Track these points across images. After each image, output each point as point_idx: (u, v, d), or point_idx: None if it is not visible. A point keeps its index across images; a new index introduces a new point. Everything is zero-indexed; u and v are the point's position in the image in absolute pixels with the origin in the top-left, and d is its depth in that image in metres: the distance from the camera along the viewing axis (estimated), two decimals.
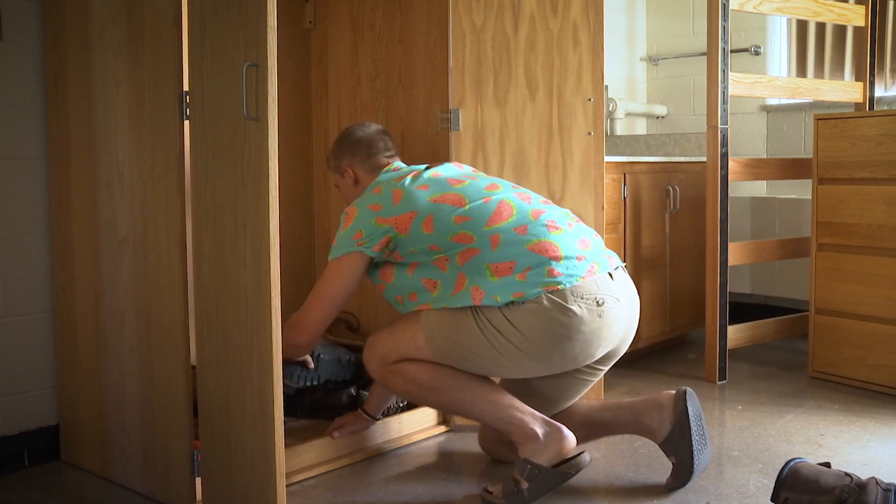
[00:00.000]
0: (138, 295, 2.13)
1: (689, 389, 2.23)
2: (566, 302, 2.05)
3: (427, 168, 2.32)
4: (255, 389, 1.86)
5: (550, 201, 2.33)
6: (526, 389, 2.27)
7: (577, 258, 2.12)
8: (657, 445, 2.30)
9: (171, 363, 2.06)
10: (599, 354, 2.17)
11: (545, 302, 2.05)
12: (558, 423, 2.15)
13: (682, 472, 2.19)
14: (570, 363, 2.15)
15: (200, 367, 2.00)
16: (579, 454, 2.13)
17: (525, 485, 2.08)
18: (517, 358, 2.10)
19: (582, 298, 2.07)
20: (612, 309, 2.12)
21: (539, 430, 2.12)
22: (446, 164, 2.36)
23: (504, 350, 2.09)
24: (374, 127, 2.49)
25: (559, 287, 2.06)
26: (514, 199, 2.22)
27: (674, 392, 2.26)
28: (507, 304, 2.07)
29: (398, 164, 2.42)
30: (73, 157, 2.31)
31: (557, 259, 2.10)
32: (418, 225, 2.16)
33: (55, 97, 2.35)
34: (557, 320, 2.05)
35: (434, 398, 2.21)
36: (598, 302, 2.09)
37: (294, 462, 2.26)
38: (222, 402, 1.95)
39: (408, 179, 2.26)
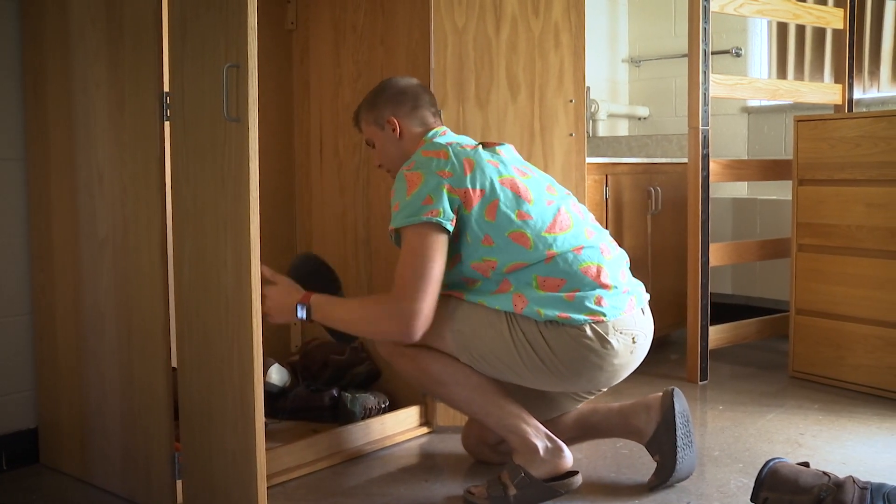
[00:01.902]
0: (119, 297, 2.12)
1: (676, 389, 2.25)
2: (607, 334, 2.04)
3: (486, 146, 2.19)
4: (236, 391, 1.85)
5: (594, 218, 2.26)
6: (520, 394, 2.25)
7: (622, 290, 2.10)
8: (642, 447, 2.31)
9: (151, 365, 2.05)
10: (615, 384, 2.18)
11: (588, 331, 2.03)
12: (560, 442, 2.15)
13: (665, 469, 2.19)
14: (589, 388, 2.16)
15: (181, 368, 1.99)
16: (573, 475, 2.14)
17: (513, 491, 2.08)
18: (540, 373, 2.08)
19: (621, 333, 2.06)
20: (641, 345, 2.13)
21: (540, 445, 2.11)
22: (505, 146, 2.23)
23: (531, 364, 2.06)
24: (414, 80, 2.35)
25: (604, 318, 2.04)
26: (571, 210, 2.16)
27: (661, 393, 2.27)
28: (547, 323, 2.03)
29: (446, 128, 2.27)
30: (52, 159, 2.29)
31: (607, 288, 2.07)
32: (483, 207, 2.05)
33: (34, 98, 2.34)
34: (595, 350, 2.04)
35: (442, 391, 2.17)
36: (633, 339, 2.09)
37: (275, 464, 2.25)
38: (203, 404, 1.94)
39: (478, 151, 2.12)
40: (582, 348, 2.03)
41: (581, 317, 2.02)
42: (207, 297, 1.90)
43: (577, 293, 2.04)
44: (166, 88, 1.97)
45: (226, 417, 1.88)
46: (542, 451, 2.11)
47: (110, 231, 2.13)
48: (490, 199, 2.06)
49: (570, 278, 2.05)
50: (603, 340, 2.03)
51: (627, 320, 2.08)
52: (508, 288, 2.07)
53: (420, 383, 2.21)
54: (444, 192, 2.03)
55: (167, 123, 1.97)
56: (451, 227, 2.03)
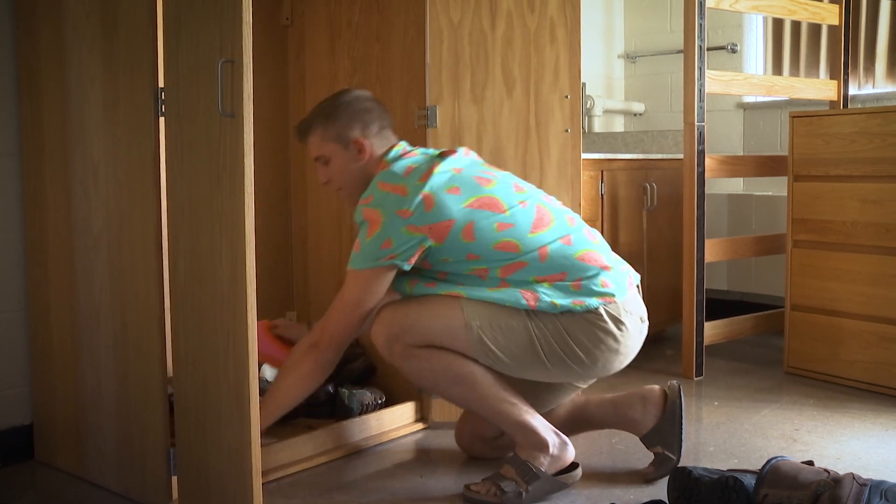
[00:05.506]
0: (114, 292, 2.12)
1: (679, 384, 2.27)
2: (620, 315, 2.05)
3: (441, 158, 2.13)
4: (231, 387, 1.85)
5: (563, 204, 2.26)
6: (519, 386, 2.22)
7: (620, 269, 2.11)
8: (637, 439, 2.32)
9: (146, 361, 2.04)
10: (620, 369, 2.17)
11: (603, 314, 2.04)
12: (565, 436, 2.15)
13: (668, 462, 2.22)
14: (602, 374, 2.14)
15: (176, 364, 1.99)
16: (575, 467, 2.14)
17: (525, 486, 2.07)
18: (560, 366, 2.07)
19: (630, 313, 2.08)
20: (646, 326, 2.15)
21: (550, 441, 2.11)
22: (460, 156, 2.18)
23: (552, 357, 2.06)
24: (370, 93, 2.26)
25: (614, 299, 2.05)
26: (546, 204, 2.15)
27: (658, 386, 2.29)
28: (563, 313, 2.03)
29: (404, 144, 2.21)
30: (46, 154, 2.28)
31: (606, 269, 2.08)
32: (457, 234, 2.03)
33: (28, 93, 2.33)
34: (612, 333, 2.05)
35: (455, 391, 2.13)
36: (641, 319, 2.11)
37: (271, 460, 2.25)
38: (198, 400, 1.94)
39: (434, 179, 2.05)
40: (600, 332, 2.04)
41: (594, 300, 2.03)
42: (202, 292, 1.90)
43: (582, 281, 2.05)
44: (161, 83, 1.96)
45: (221, 413, 1.88)
46: (552, 447, 2.11)
47: (105, 226, 2.12)
48: (463, 224, 2.04)
49: (569, 270, 2.05)
50: (618, 322, 2.04)
51: (632, 300, 2.10)
52: (508, 286, 2.06)
53: (429, 382, 2.15)
54: (404, 231, 2.01)
55: (162, 119, 1.97)
56: (407, 266, 2.04)
